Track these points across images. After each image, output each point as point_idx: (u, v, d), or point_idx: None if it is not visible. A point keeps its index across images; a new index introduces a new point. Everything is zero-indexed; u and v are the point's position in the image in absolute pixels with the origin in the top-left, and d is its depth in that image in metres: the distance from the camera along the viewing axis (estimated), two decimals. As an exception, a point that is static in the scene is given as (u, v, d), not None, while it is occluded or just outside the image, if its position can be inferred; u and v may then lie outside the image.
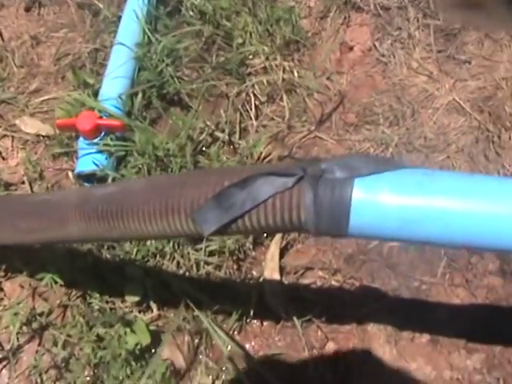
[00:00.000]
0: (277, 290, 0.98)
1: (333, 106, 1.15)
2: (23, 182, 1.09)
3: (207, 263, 1.01)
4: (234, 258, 1.02)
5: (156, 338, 0.95)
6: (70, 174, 1.11)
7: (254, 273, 1.02)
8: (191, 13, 1.25)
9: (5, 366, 0.97)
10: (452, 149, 1.09)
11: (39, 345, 0.97)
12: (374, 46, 1.20)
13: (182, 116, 1.12)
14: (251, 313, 0.95)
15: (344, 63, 1.20)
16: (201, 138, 1.10)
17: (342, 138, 1.12)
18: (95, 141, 1.05)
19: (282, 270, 1.01)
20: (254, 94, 1.15)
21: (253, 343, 0.97)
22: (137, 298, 0.97)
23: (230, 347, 0.94)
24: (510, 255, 0.98)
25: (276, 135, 1.13)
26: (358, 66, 1.19)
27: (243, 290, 0.98)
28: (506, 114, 1.10)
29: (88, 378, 0.94)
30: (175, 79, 1.15)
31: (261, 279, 1.00)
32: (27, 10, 1.27)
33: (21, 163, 1.11)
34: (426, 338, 0.96)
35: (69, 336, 0.96)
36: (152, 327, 0.96)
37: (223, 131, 1.12)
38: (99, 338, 0.94)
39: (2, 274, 1.01)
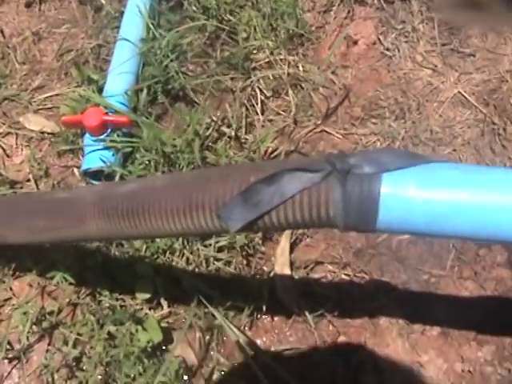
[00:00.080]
0: (288, 284, 0.98)
1: (338, 100, 1.15)
2: (28, 180, 1.08)
3: (217, 259, 1.00)
4: (244, 253, 1.01)
5: (167, 335, 0.95)
6: (75, 170, 1.10)
7: (264, 268, 1.01)
8: (194, 8, 1.24)
9: (15, 366, 0.96)
10: (458, 142, 1.10)
11: (49, 344, 0.97)
12: (379, 39, 1.20)
13: (187, 111, 1.11)
14: (263, 308, 0.95)
15: (349, 57, 1.19)
16: (207, 134, 1.09)
17: (349, 131, 1.12)
18: (102, 137, 1.05)
19: (291, 264, 1.01)
20: (260, 89, 1.15)
21: (264, 338, 0.97)
22: (147, 296, 0.96)
23: (242, 343, 0.94)
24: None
25: (282, 130, 1.12)
26: (362, 59, 1.19)
27: (254, 286, 0.98)
28: (511, 107, 1.11)
29: (100, 377, 0.93)
30: (180, 74, 1.14)
31: (271, 274, 1.00)
32: (28, 5, 1.26)
33: (26, 161, 1.10)
34: (436, 330, 0.96)
35: (79, 334, 0.95)
36: (163, 324, 0.96)
37: (229, 126, 1.11)
38: (110, 336, 0.94)
39: (11, 272, 1.00)
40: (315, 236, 1.03)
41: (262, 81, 1.16)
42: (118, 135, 1.05)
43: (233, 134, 1.10)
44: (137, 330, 0.93)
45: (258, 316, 0.98)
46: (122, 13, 1.21)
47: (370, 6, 1.23)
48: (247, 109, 1.13)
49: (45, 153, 1.11)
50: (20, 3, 1.27)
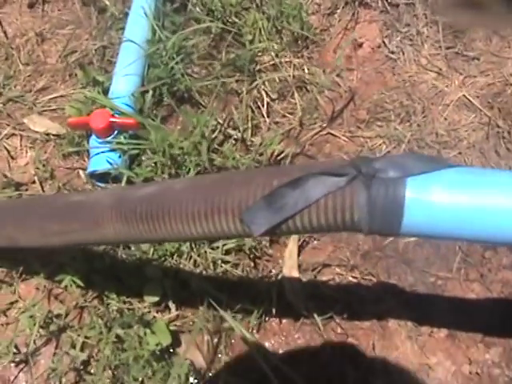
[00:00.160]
0: (296, 287, 0.98)
1: (344, 103, 1.16)
2: (34, 182, 1.08)
3: (224, 262, 1.00)
4: (251, 256, 1.01)
5: (175, 338, 0.95)
6: (81, 172, 1.09)
7: (272, 270, 1.01)
8: (198, 9, 1.24)
9: (22, 370, 0.95)
10: (463, 145, 1.10)
11: (56, 347, 0.96)
12: (383, 42, 1.20)
13: (193, 113, 1.11)
14: (272, 311, 0.95)
15: (354, 60, 1.20)
16: (213, 136, 1.09)
17: (354, 134, 1.13)
18: (108, 139, 1.04)
19: (299, 267, 1.01)
20: (265, 91, 1.15)
21: (272, 341, 0.97)
22: (156, 298, 0.96)
23: (251, 345, 0.94)
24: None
25: (288, 132, 1.13)
26: (367, 62, 1.19)
27: (262, 288, 0.98)
28: (516, 110, 1.12)
29: (108, 380, 0.93)
30: (185, 76, 1.14)
31: (279, 277, 1.00)
32: (30, 6, 1.25)
33: (30, 162, 1.10)
34: (444, 332, 0.97)
35: (87, 338, 0.95)
36: (171, 327, 0.96)
37: (235, 129, 1.11)
38: (119, 340, 0.94)
39: (18, 275, 0.99)
40: (322, 239, 1.03)
41: (267, 83, 1.16)
42: (124, 137, 1.05)
43: (239, 136, 1.10)
44: (145, 334, 0.93)
45: (266, 318, 0.98)
46: (126, 14, 1.20)
47: (375, 9, 1.23)
48: (253, 111, 1.14)
49: (50, 154, 1.11)
50: (23, 4, 1.26)
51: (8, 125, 1.13)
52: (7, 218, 0.79)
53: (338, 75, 1.18)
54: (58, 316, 0.97)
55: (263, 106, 1.14)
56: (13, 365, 0.95)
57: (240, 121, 1.10)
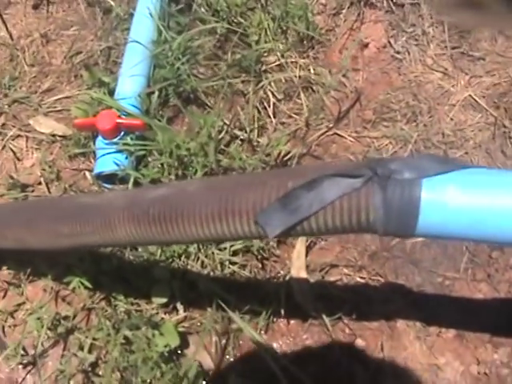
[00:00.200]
0: (305, 288, 0.98)
1: (350, 103, 1.15)
2: (40, 183, 1.07)
3: (232, 263, 1.00)
4: (259, 257, 1.01)
5: (183, 340, 0.95)
6: (87, 174, 1.09)
7: (279, 271, 1.01)
8: (203, 10, 1.24)
9: (29, 372, 0.95)
10: (470, 145, 1.10)
11: (64, 349, 0.96)
12: (389, 42, 1.20)
13: (199, 114, 1.11)
14: (281, 312, 0.95)
15: (359, 60, 1.20)
16: (220, 137, 1.09)
17: (361, 134, 1.12)
18: (115, 140, 1.04)
19: (307, 267, 1.01)
20: (271, 92, 1.15)
21: (280, 342, 0.97)
22: (164, 300, 0.96)
23: (260, 346, 0.94)
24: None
25: (294, 133, 1.12)
26: (373, 62, 1.19)
27: (270, 289, 0.98)
28: (522, 111, 1.12)
29: (116, 382, 0.93)
30: (191, 77, 1.13)
31: (287, 278, 1.00)
32: (35, 7, 1.24)
33: (36, 164, 1.09)
34: (452, 333, 0.97)
35: (95, 339, 0.95)
36: (179, 329, 0.95)
37: (241, 129, 1.11)
38: (127, 341, 0.93)
39: (25, 277, 0.99)
40: (330, 239, 1.03)
41: (273, 84, 1.15)
42: (131, 138, 1.05)
43: (245, 136, 1.10)
44: (153, 335, 0.93)
45: (274, 319, 0.98)
46: (131, 15, 1.20)
47: (380, 9, 1.23)
48: (259, 112, 1.13)
49: (56, 156, 1.11)
50: (27, 5, 1.26)
51: (14, 126, 1.13)
52: (16, 219, 0.78)
53: (343, 75, 1.17)
54: (66, 318, 0.97)
55: (269, 106, 1.14)
56: (20, 367, 0.95)
57: (246, 121, 1.10)
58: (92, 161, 1.09)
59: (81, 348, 0.95)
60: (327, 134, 1.13)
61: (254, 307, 0.96)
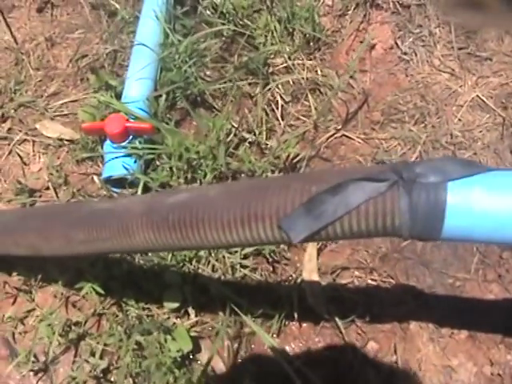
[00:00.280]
0: (317, 291, 0.98)
1: (358, 105, 1.15)
2: (47, 188, 1.07)
3: (243, 266, 1.00)
4: (270, 260, 1.01)
5: (194, 344, 0.94)
6: (95, 178, 1.08)
7: (290, 274, 1.01)
8: (208, 12, 1.24)
9: (40, 378, 0.94)
10: (478, 145, 1.10)
11: (75, 355, 0.95)
12: (396, 43, 1.20)
13: (207, 117, 1.10)
14: (294, 315, 0.95)
15: (366, 61, 1.19)
16: (228, 140, 1.08)
17: (369, 136, 1.12)
18: (123, 144, 1.03)
19: (318, 270, 1.00)
20: (279, 94, 1.15)
21: (293, 345, 0.97)
22: (176, 305, 0.95)
23: (274, 349, 0.94)
24: None
25: (303, 135, 1.12)
26: (380, 64, 1.19)
27: (282, 292, 0.97)
28: (529, 111, 1.12)
29: (129, 388, 0.92)
30: (199, 80, 1.13)
31: (298, 281, 0.99)
32: (39, 10, 1.24)
33: (44, 168, 1.08)
34: (464, 334, 0.97)
35: (106, 345, 0.94)
36: (191, 333, 0.95)
37: (250, 132, 1.11)
38: (139, 347, 0.93)
39: (36, 283, 0.98)
40: (340, 241, 1.03)
41: (280, 86, 1.15)
42: (139, 142, 1.04)
43: (254, 139, 1.09)
44: (165, 340, 0.92)
45: (286, 323, 0.97)
46: (137, 17, 1.19)
47: (386, 10, 1.23)
48: (267, 114, 1.13)
49: (63, 160, 1.10)
50: (31, 8, 1.25)
51: (20, 130, 1.12)
52: (28, 226, 0.78)
53: (351, 77, 1.17)
54: (77, 324, 0.96)
55: (277, 108, 1.13)
56: (32, 374, 0.94)
57: (254, 124, 1.10)
58: (100, 165, 1.09)
59: (92, 354, 0.94)
60: (335, 135, 1.12)
61: (267, 311, 0.95)
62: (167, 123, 1.08)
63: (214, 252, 0.99)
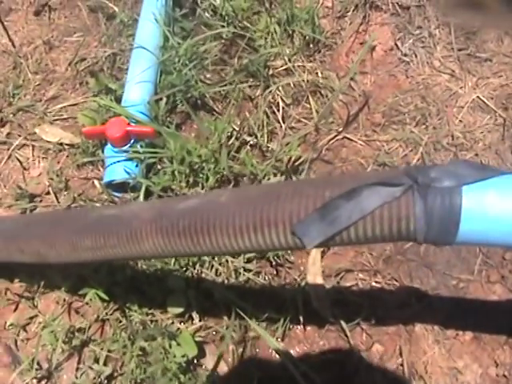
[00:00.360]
0: (321, 294, 0.97)
1: (359, 107, 1.15)
2: (48, 193, 1.06)
3: (246, 270, 0.99)
4: (273, 263, 1.01)
5: (199, 349, 0.93)
6: (96, 182, 1.07)
7: (294, 278, 1.00)
8: (207, 14, 1.23)
9: (44, 386, 0.94)
10: (479, 146, 1.10)
11: (79, 362, 0.94)
12: (396, 45, 1.20)
13: (208, 120, 1.09)
14: (300, 318, 0.94)
15: (367, 63, 1.19)
16: (229, 143, 1.08)
17: (371, 138, 1.12)
18: (124, 148, 1.02)
19: (322, 273, 1.00)
20: (280, 97, 1.14)
21: (297, 349, 0.96)
22: (181, 310, 0.95)
23: (279, 353, 0.93)
24: None
25: (304, 138, 1.12)
26: (380, 65, 1.19)
27: (287, 296, 0.97)
28: (529, 112, 1.12)
29: (134, 394, 0.92)
30: (199, 83, 1.12)
31: (302, 284, 0.99)
32: (37, 14, 1.22)
33: (44, 173, 1.07)
34: (469, 335, 0.96)
35: (110, 351, 0.93)
36: (196, 338, 0.94)
37: (251, 135, 1.10)
38: (143, 353, 0.92)
39: (39, 289, 0.97)
40: (344, 244, 1.03)
41: (281, 88, 1.15)
42: (141, 146, 1.03)
43: (255, 142, 1.09)
44: (170, 346, 0.91)
45: (291, 326, 0.97)
46: (136, 20, 1.19)
47: (386, 12, 1.23)
48: (268, 117, 1.12)
49: (63, 164, 1.09)
50: (29, 11, 1.24)
51: (19, 135, 1.11)
52: (34, 233, 0.77)
53: (351, 79, 1.17)
54: (80, 330, 0.95)
55: (278, 111, 1.13)
56: (35, 381, 0.93)
57: (256, 127, 1.09)
58: (100, 169, 1.08)
59: (96, 360, 0.93)
60: (337, 138, 1.12)
61: (271, 314, 0.95)
62: (168, 127, 1.08)
63: (217, 256, 0.98)
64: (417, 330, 0.96)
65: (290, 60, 1.17)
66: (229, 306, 0.95)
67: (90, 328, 0.96)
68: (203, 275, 0.98)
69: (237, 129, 1.09)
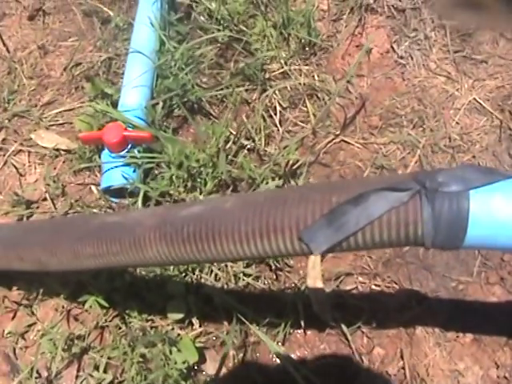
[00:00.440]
0: (322, 298, 0.97)
1: (355, 110, 1.15)
2: (45, 199, 1.05)
3: (245, 274, 0.99)
4: (273, 268, 1.00)
5: (200, 355, 0.93)
6: (93, 188, 1.06)
7: (294, 282, 1.00)
8: (203, 18, 1.23)
9: (43, 395, 0.93)
10: (476, 148, 1.11)
11: (79, 370, 0.93)
12: (392, 48, 1.20)
13: (206, 124, 1.09)
14: (301, 323, 0.94)
15: (363, 66, 1.19)
16: (227, 147, 1.07)
17: (368, 141, 1.12)
18: (121, 153, 1.02)
19: (322, 277, 1.00)
20: (277, 100, 1.14)
21: (298, 353, 0.96)
22: (181, 315, 0.94)
23: (280, 357, 0.93)
24: None
25: (302, 141, 1.12)
26: (377, 68, 1.19)
27: (287, 300, 0.97)
28: (526, 113, 1.13)
29: (134, 401, 0.91)
30: (195, 87, 1.12)
31: (302, 288, 0.99)
32: (31, 18, 1.21)
33: (40, 179, 1.07)
34: (469, 337, 0.97)
35: (110, 358, 0.92)
36: (196, 344, 0.94)
37: (248, 139, 1.10)
38: (144, 359, 0.91)
39: (38, 297, 0.96)
40: (343, 247, 1.02)
41: (278, 92, 1.14)
42: (138, 151, 1.03)
43: (253, 146, 1.09)
44: (171, 352, 0.91)
45: (291, 331, 0.97)
46: (131, 24, 1.18)
47: (381, 15, 1.23)
48: (265, 120, 1.12)
49: (60, 170, 1.08)
50: (22, 16, 1.23)
51: (15, 141, 1.10)
52: (34, 241, 0.76)
53: (348, 82, 1.17)
54: (79, 337, 0.94)
55: (275, 114, 1.13)
56: (34, 389, 0.92)
57: (253, 130, 1.09)
58: (98, 175, 1.07)
59: (96, 368, 0.92)
60: (334, 141, 1.12)
61: (272, 319, 0.95)
62: (165, 131, 1.07)
63: (221, 263, 0.98)
64: (417, 333, 0.96)
65: (286, 63, 1.17)
66: (229, 311, 0.94)
67: (89, 335, 0.95)
68: (203, 280, 0.98)
69: (234, 133, 1.09)
